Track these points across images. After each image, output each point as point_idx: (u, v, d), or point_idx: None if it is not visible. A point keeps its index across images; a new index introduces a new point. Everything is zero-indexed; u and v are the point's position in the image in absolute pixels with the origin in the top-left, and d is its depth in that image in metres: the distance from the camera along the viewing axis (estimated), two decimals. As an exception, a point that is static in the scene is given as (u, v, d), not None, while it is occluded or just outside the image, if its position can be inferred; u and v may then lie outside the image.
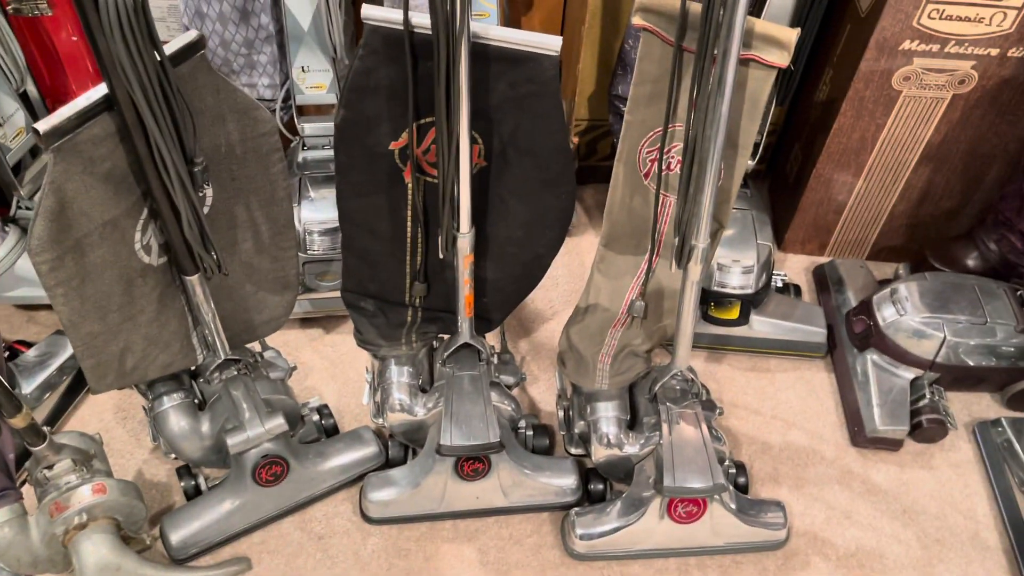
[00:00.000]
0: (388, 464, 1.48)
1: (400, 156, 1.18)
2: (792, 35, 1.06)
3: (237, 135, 1.06)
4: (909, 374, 1.57)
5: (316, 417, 1.51)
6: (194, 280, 1.15)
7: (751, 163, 1.70)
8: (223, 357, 1.31)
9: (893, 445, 1.56)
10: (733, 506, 1.36)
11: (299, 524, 1.44)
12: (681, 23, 1.05)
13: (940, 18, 1.42)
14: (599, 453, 1.39)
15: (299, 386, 1.62)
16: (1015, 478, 1.49)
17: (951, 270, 1.68)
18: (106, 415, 1.56)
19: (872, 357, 1.59)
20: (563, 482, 1.43)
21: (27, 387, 1.49)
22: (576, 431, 1.45)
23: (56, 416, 1.54)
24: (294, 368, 1.52)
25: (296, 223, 1.61)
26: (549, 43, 1.04)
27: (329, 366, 1.66)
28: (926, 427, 1.54)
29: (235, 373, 1.37)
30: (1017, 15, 1.41)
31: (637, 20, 1.11)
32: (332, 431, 1.52)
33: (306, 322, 1.72)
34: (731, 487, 1.40)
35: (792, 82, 1.57)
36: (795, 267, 1.88)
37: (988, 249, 1.66)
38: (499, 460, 1.37)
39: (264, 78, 1.65)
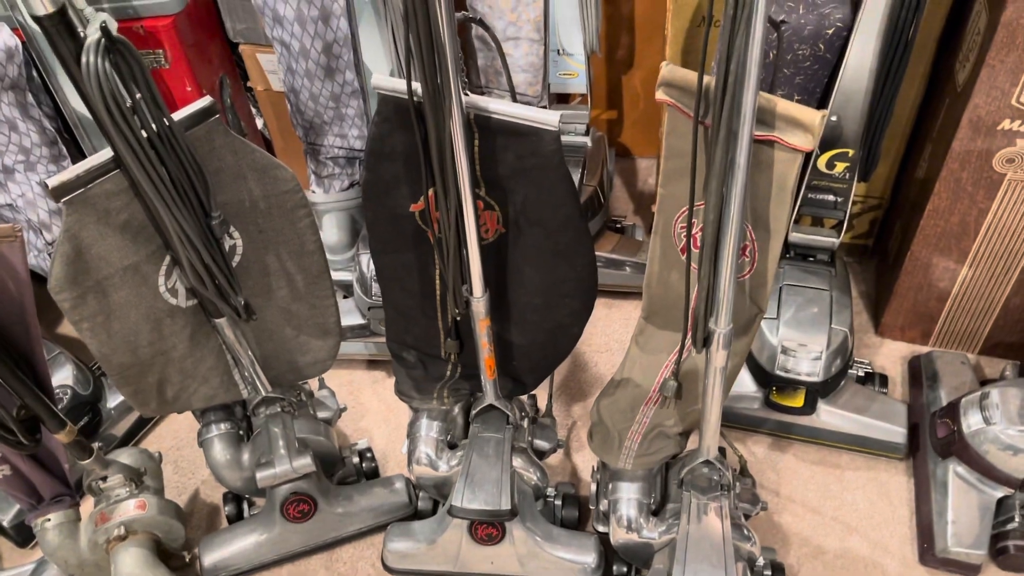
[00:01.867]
0: (417, 515, 1.50)
1: (422, 218, 1.20)
2: (816, 117, 0.98)
3: (259, 191, 1.13)
4: (997, 492, 1.38)
5: (357, 459, 1.55)
6: (222, 323, 1.22)
7: (836, 240, 1.59)
8: (264, 394, 1.39)
9: (969, 570, 1.37)
10: (757, 613, 1.26)
11: (325, 562, 1.48)
12: (698, 99, 1.01)
13: (1044, 96, 1.27)
14: (617, 535, 1.33)
15: (352, 426, 1.68)
16: (1115, 631, 1.27)
17: (1063, 377, 1.47)
18: (181, 434, 1.69)
19: (955, 467, 1.41)
20: (581, 559, 1.38)
21: (112, 401, 1.65)
22: (601, 508, 1.39)
23: (137, 429, 1.69)
24: (343, 409, 1.57)
25: (365, 268, 1.68)
26: (548, 119, 1.03)
27: (385, 410, 1.70)
28: (1013, 554, 1.35)
29: (278, 409, 1.44)
30: None
31: (660, 95, 1.08)
32: (372, 474, 1.56)
33: (371, 364, 1.78)
34: (758, 590, 1.29)
35: (872, 161, 1.44)
36: (892, 355, 1.72)
37: (1109, 358, 1.44)
38: (513, 528, 1.35)
39: (353, 129, 1.74)
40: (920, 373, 1.62)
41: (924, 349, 1.70)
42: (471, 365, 1.39)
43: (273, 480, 1.38)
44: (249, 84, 1.99)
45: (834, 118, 1.43)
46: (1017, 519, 1.36)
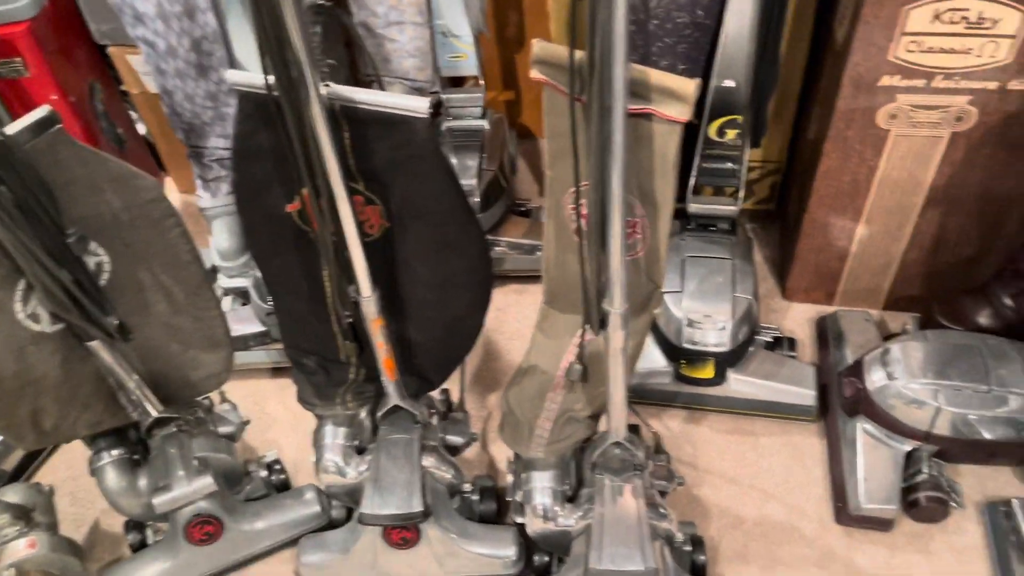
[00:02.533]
0: (331, 525, 1.45)
1: (300, 217, 1.14)
2: (691, 87, 0.96)
3: (119, 203, 1.06)
4: (905, 446, 1.40)
5: (265, 472, 1.49)
6: (95, 346, 1.15)
7: (735, 208, 1.59)
8: (155, 415, 1.31)
9: (882, 525, 1.39)
10: (679, 592, 1.25)
11: (238, 583, 1.42)
12: (571, 76, 0.98)
13: (920, 51, 1.27)
14: (534, 525, 1.31)
15: (260, 438, 1.61)
16: (1021, 571, 1.30)
17: (961, 328, 1.49)
18: (76, 463, 1.60)
19: (863, 425, 1.42)
20: (501, 552, 1.35)
21: (-2, 436, 1.55)
22: (517, 499, 1.37)
23: (28, 462, 1.59)
24: (247, 422, 1.51)
25: (259, 273, 1.61)
26: (417, 105, 0.98)
27: (293, 419, 1.64)
28: (924, 505, 1.37)
29: (174, 430, 1.37)
30: (1013, 44, 1.24)
31: (534, 73, 1.05)
32: (282, 487, 1.50)
33: (276, 372, 1.72)
34: (676, 567, 1.28)
35: (761, 126, 1.44)
36: (799, 318, 1.73)
37: (1003, 305, 1.46)
38: (428, 529, 1.31)
39: (237, 129, 1.66)
40: (826, 334, 1.63)
41: (830, 309, 1.71)
42: (374, 367, 1.34)
43: (172, 504, 1.31)
44: (124, 88, 1.89)
45: (732, 83, 1.42)
46: (925, 471, 1.38)
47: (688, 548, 1.34)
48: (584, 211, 1.08)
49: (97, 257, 1.10)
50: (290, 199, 1.12)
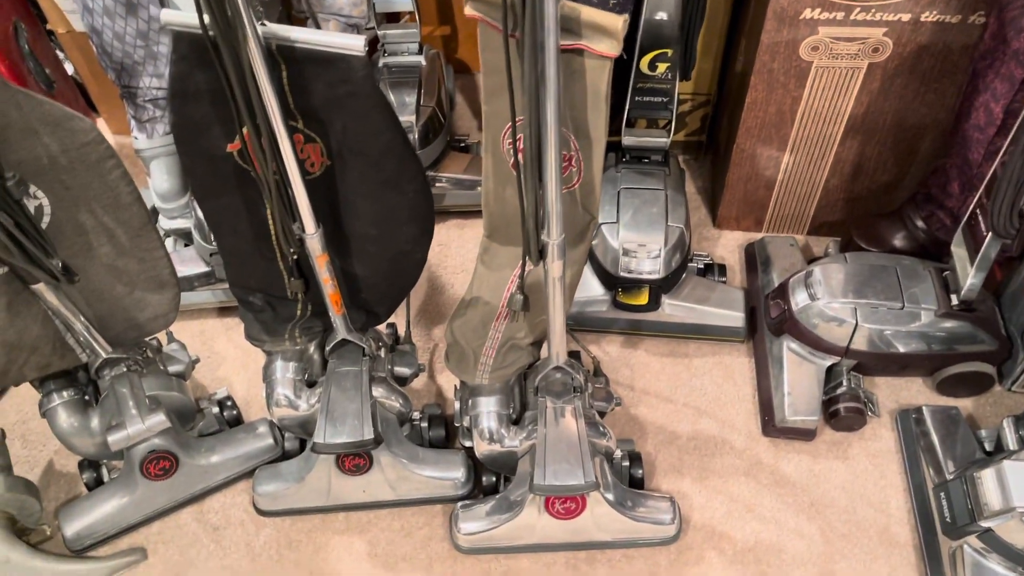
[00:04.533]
0: (285, 456, 1.49)
1: (241, 157, 1.16)
2: (619, 22, 0.99)
3: (56, 146, 1.06)
4: (825, 361, 1.50)
5: (217, 409, 1.52)
6: (40, 288, 1.16)
7: (666, 140, 1.64)
8: (104, 355, 1.33)
9: (805, 435, 1.50)
10: (612, 498, 1.33)
11: (196, 515, 1.46)
12: (504, 12, 1.00)
13: (839, -16, 1.32)
14: (481, 447, 1.37)
15: (210, 376, 1.64)
16: (929, 471, 1.42)
17: (878, 249, 1.59)
18: (25, 406, 1.61)
19: (787, 343, 1.52)
20: (450, 475, 1.42)
21: (-59, 383, 1.54)
22: (465, 424, 1.43)
23: (-24, 408, 1.60)
24: (196, 360, 1.53)
25: (200, 214, 1.61)
26: (354, 43, 1.00)
27: (242, 356, 1.67)
28: (843, 415, 1.48)
29: (124, 370, 1.39)
30: (925, -23, 1.30)
31: (468, 10, 1.07)
32: (234, 422, 1.54)
33: (223, 311, 1.74)
34: (616, 481, 1.37)
35: (690, 59, 1.48)
36: (730, 245, 1.81)
37: (916, 227, 1.56)
38: (380, 455, 1.37)
39: (170, 68, 1.64)
40: (755, 259, 1.71)
41: (758, 236, 1.79)
42: (320, 302, 1.38)
43: (127, 442, 1.34)
44: (49, 27, 1.84)
45: (663, 15, 1.45)
46: (845, 384, 1.49)
47: (626, 463, 1.43)
48: (520, 146, 1.11)
49: (37, 200, 1.10)
50: (230, 139, 1.13)
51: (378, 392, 1.38)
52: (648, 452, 1.50)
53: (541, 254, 1.16)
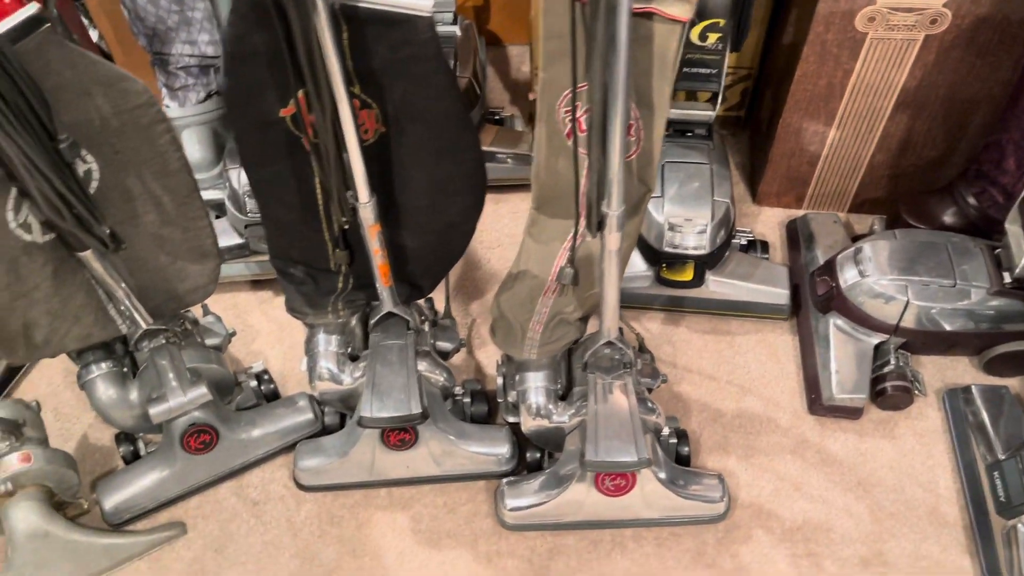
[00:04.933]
0: (324, 431, 1.47)
1: (294, 123, 1.12)
2: (694, -16, 0.96)
3: (109, 108, 1.02)
4: (873, 339, 1.48)
5: (255, 383, 1.50)
6: (88, 256, 1.13)
7: (712, 113, 1.61)
8: (144, 327, 1.30)
9: (852, 413, 1.48)
10: (664, 477, 1.31)
11: (235, 490, 1.44)
12: (574, -26, 0.97)
13: (902, -47, 1.29)
14: (528, 423, 1.35)
15: (245, 350, 1.61)
16: (979, 450, 1.40)
17: (927, 226, 1.56)
18: (56, 379, 1.58)
19: (834, 321, 1.50)
20: (495, 451, 1.40)
21: (-27, 354, 1.52)
22: (510, 400, 1.41)
23: (7, 381, 1.57)
24: (233, 334, 1.51)
25: (236, 184, 1.58)
26: (420, 4, 0.97)
27: (277, 329, 1.64)
28: (890, 394, 1.46)
29: (162, 342, 1.36)
30: (991, -54, 1.27)
31: (534, -28, 1.03)
32: (272, 396, 1.51)
33: (256, 284, 1.71)
34: (665, 458, 1.35)
35: (743, 30, 1.45)
36: (770, 221, 1.78)
37: (967, 204, 1.53)
38: (425, 430, 1.34)
39: (203, 34, 1.60)
40: (797, 236, 1.69)
41: (799, 213, 1.76)
42: (364, 275, 1.35)
43: (168, 414, 1.32)
44: (77, -9, 1.80)
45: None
46: (892, 362, 1.46)
47: (673, 440, 1.41)
48: (580, 114, 1.09)
49: (86, 165, 1.07)
50: (284, 103, 1.10)
51: (422, 366, 1.36)
52: (692, 430, 1.48)
53: (600, 226, 1.13)
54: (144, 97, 1.05)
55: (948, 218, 1.55)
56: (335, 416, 1.47)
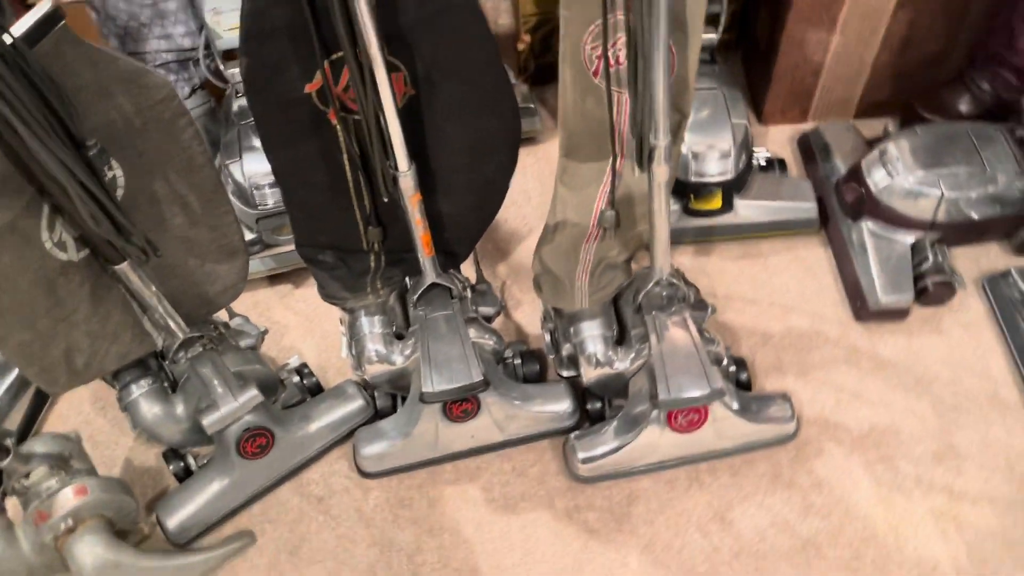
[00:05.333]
0: (377, 415, 1.43)
1: (320, 98, 1.07)
2: None
3: (131, 107, 0.96)
4: (909, 238, 1.48)
5: (296, 378, 1.45)
6: (124, 268, 1.07)
7: (715, 36, 1.58)
8: (182, 337, 1.24)
9: (899, 315, 1.48)
10: (736, 407, 1.30)
11: (296, 489, 1.40)
12: None
13: None
14: (589, 374, 1.33)
15: (276, 347, 1.56)
16: (1029, 331, 1.42)
17: (942, 119, 1.56)
18: (85, 407, 1.52)
19: (867, 225, 1.49)
20: (558, 407, 1.37)
21: (-7, 395, 1.44)
22: (564, 354, 1.38)
23: (34, 416, 1.50)
24: (265, 332, 1.45)
25: (240, 177, 1.51)
26: (451, -52, 0.92)
27: (304, 322, 1.59)
28: (932, 291, 1.46)
29: (200, 350, 1.30)
30: None
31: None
32: (316, 390, 1.47)
33: (274, 279, 1.65)
34: (732, 387, 1.34)
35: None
36: (779, 139, 1.77)
37: (980, 90, 1.53)
38: (487, 397, 1.31)
39: (179, 26, 1.53)
40: (811, 149, 1.68)
41: (805, 127, 1.75)
42: (397, 250, 1.31)
43: (222, 422, 1.26)
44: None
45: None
46: (930, 258, 1.47)
47: (733, 368, 1.40)
48: (612, 47, 1.05)
49: (111, 171, 1.00)
50: (309, 78, 1.04)
51: (472, 333, 1.32)
52: (745, 355, 1.47)
53: (649, 159, 1.10)
54: (165, 91, 0.98)
55: (964, 107, 1.55)
56: (386, 399, 1.43)
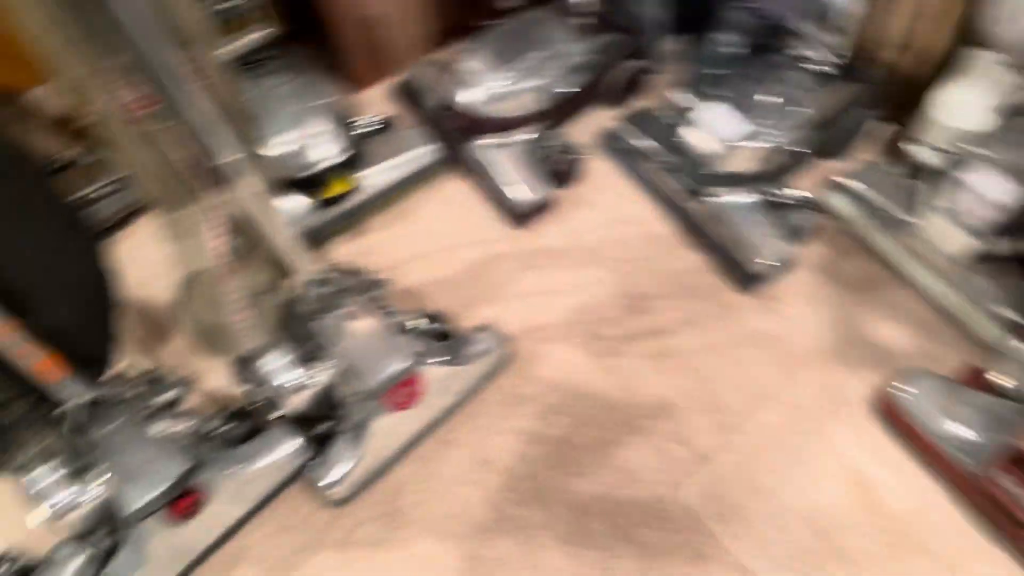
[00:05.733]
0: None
1: None
2: None
3: None
4: (523, 135, 1.55)
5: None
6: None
7: (261, 33, 1.54)
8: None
9: (547, 206, 1.56)
10: (446, 359, 1.30)
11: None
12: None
13: None
14: (293, 402, 1.27)
15: None
16: (653, 164, 1.53)
17: (497, 20, 1.63)
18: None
19: (483, 142, 1.54)
20: (284, 451, 1.29)
21: None
22: (263, 397, 1.30)
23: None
24: None
25: None
26: None
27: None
28: (565, 171, 1.55)
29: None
30: None
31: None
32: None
33: None
34: (434, 343, 1.34)
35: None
36: (382, 99, 1.78)
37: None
38: (208, 483, 1.21)
39: None
40: (411, 95, 1.69)
41: (401, 78, 1.77)
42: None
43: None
44: None
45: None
46: (550, 144, 1.54)
47: (429, 326, 1.40)
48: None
49: None
50: None
51: (161, 427, 1.21)
52: (437, 308, 1.48)
53: (223, 178, 1.05)
54: None
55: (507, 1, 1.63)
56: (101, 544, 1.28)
